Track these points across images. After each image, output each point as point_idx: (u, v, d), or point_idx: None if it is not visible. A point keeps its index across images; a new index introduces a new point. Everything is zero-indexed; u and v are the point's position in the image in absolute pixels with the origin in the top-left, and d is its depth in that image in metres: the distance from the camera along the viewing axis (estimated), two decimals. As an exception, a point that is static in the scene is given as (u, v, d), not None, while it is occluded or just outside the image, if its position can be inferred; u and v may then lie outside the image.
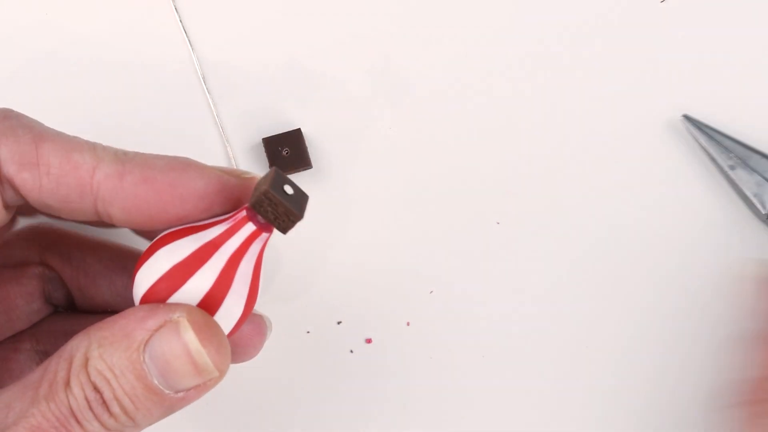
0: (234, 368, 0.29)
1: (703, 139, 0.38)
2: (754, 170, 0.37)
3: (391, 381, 0.37)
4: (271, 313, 0.33)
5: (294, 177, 0.39)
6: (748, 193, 0.37)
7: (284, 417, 0.37)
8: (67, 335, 0.30)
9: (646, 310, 0.37)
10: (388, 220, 0.38)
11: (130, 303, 0.33)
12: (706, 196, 0.38)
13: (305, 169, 0.38)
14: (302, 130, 0.38)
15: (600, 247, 0.38)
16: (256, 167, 0.39)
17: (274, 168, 0.28)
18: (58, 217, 0.29)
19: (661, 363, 0.36)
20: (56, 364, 0.27)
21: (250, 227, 0.28)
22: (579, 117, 0.39)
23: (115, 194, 0.27)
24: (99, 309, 0.34)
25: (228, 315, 0.28)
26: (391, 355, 0.37)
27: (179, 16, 0.40)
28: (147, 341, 0.26)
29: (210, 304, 0.28)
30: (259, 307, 0.30)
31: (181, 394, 0.27)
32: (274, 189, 0.27)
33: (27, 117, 0.28)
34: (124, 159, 0.28)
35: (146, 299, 0.28)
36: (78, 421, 0.26)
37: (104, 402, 0.26)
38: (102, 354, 0.26)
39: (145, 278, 0.28)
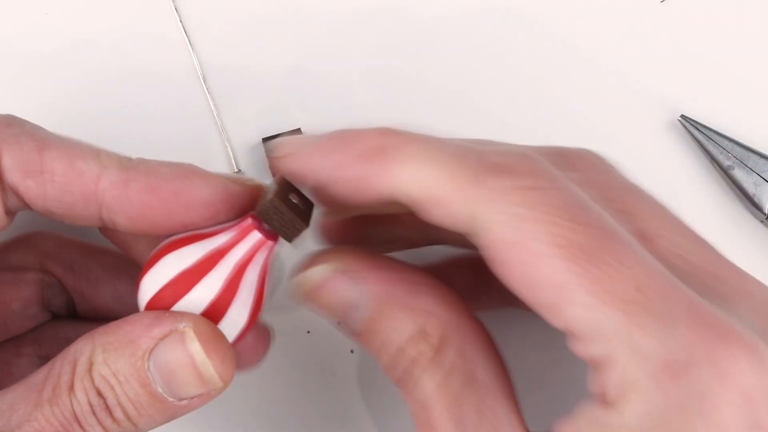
0: (235, 368, 0.29)
1: (701, 139, 0.38)
2: (752, 170, 0.38)
3: (392, 381, 0.37)
4: (271, 313, 0.33)
5: (294, 177, 0.39)
6: (747, 193, 0.37)
7: (284, 417, 0.37)
8: (69, 341, 0.30)
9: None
10: (388, 220, 0.38)
11: (133, 309, 0.33)
12: (704, 196, 0.38)
13: (305, 169, 0.38)
14: (302, 130, 0.38)
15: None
16: (256, 167, 0.39)
17: (280, 176, 0.28)
18: (61, 221, 0.29)
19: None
20: (60, 366, 0.27)
21: (256, 235, 0.28)
22: (578, 117, 0.39)
23: (120, 202, 0.27)
24: (101, 315, 0.34)
25: (233, 323, 0.28)
26: (391, 355, 0.37)
27: (179, 16, 0.40)
28: (152, 349, 0.26)
29: (215, 311, 0.28)
30: (259, 307, 0.30)
31: (184, 402, 0.27)
32: (280, 198, 0.27)
33: (30, 123, 0.28)
34: (128, 166, 0.27)
35: (152, 305, 0.28)
36: (81, 426, 0.26)
37: (107, 407, 0.26)
38: (106, 359, 0.26)
39: (150, 284, 0.28)
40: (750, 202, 0.37)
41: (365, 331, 0.28)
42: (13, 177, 0.27)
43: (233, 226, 0.28)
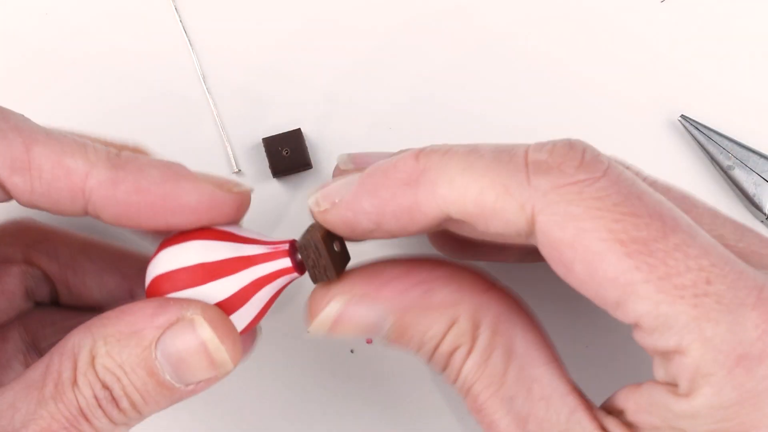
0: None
1: (701, 139, 0.38)
2: (752, 170, 0.38)
3: (392, 381, 0.37)
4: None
5: (294, 177, 0.39)
6: (747, 193, 0.37)
7: (285, 416, 0.37)
8: (55, 325, 0.30)
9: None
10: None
11: (120, 301, 0.33)
12: (705, 196, 0.38)
13: (305, 169, 0.38)
14: (302, 130, 0.38)
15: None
16: (256, 167, 0.39)
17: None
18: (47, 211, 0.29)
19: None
20: (59, 362, 0.27)
21: (286, 262, 0.28)
22: (578, 117, 0.39)
23: (107, 201, 0.27)
24: (86, 306, 0.34)
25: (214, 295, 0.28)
26: (392, 355, 0.37)
27: (179, 16, 0.40)
28: (158, 338, 0.27)
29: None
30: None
31: (191, 387, 0.27)
32: (325, 241, 0.27)
33: (16, 116, 0.28)
34: (117, 164, 0.27)
35: (162, 281, 0.28)
36: (87, 419, 0.26)
37: (113, 398, 0.26)
38: (110, 351, 0.26)
39: (168, 260, 0.28)
40: (750, 202, 0.37)
41: (397, 341, 0.28)
42: (1, 173, 0.27)
43: (270, 243, 0.28)
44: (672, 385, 0.24)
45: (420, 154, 0.26)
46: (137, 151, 0.29)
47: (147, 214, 0.27)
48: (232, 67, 0.40)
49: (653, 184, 0.27)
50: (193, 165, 0.37)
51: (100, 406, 0.26)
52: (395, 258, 0.29)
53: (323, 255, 0.27)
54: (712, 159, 0.38)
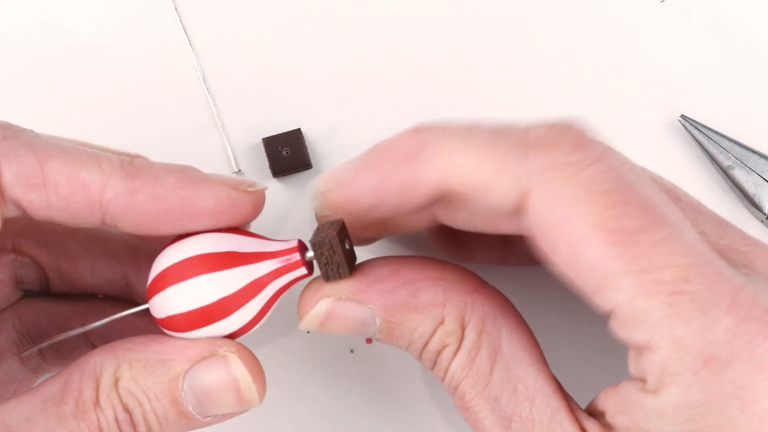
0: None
1: (701, 139, 0.38)
2: (752, 170, 0.38)
3: (392, 381, 0.37)
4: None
5: (294, 177, 0.39)
6: (747, 193, 0.37)
7: (285, 416, 0.37)
8: (48, 314, 0.31)
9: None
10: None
11: (113, 286, 0.33)
12: (705, 196, 0.38)
13: (305, 169, 0.38)
14: (302, 130, 0.38)
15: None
16: (256, 167, 0.39)
17: (342, 219, 0.28)
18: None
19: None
20: (79, 381, 0.27)
21: (302, 271, 0.28)
22: (578, 117, 0.39)
23: (125, 211, 0.27)
24: (78, 291, 0.34)
25: (229, 326, 0.28)
26: (392, 355, 0.37)
27: (179, 16, 0.40)
28: (187, 370, 0.27)
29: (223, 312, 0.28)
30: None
31: (209, 419, 0.28)
32: (340, 238, 0.27)
33: (27, 132, 0.28)
34: (132, 173, 0.27)
35: (181, 320, 0.28)
36: None
37: (132, 422, 0.27)
38: (135, 376, 0.27)
39: (182, 300, 0.28)
40: (750, 202, 0.37)
41: (387, 338, 0.28)
42: (16, 192, 0.27)
43: (279, 254, 0.28)
44: (642, 381, 0.24)
45: (420, 129, 0.26)
46: (137, 158, 0.30)
47: (165, 221, 0.28)
48: (232, 67, 0.40)
49: (642, 169, 0.27)
50: (194, 165, 0.37)
51: (119, 428, 0.27)
52: (385, 257, 0.29)
53: (338, 252, 0.27)
54: (712, 159, 0.38)
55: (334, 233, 0.27)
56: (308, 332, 0.37)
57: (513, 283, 0.31)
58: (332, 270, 0.28)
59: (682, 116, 0.38)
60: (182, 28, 0.40)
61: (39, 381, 0.33)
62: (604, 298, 0.24)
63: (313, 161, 0.39)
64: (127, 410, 0.27)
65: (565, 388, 0.28)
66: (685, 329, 0.23)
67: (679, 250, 0.23)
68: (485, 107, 0.39)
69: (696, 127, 0.38)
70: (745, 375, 0.23)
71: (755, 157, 0.38)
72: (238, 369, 0.27)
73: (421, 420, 0.37)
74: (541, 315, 0.31)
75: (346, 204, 0.28)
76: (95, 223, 0.28)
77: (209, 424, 0.28)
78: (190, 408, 0.27)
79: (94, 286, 0.34)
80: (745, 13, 0.40)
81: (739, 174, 0.38)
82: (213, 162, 0.39)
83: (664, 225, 0.23)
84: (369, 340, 0.37)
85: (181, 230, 0.28)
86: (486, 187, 0.25)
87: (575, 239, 0.23)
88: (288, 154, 0.38)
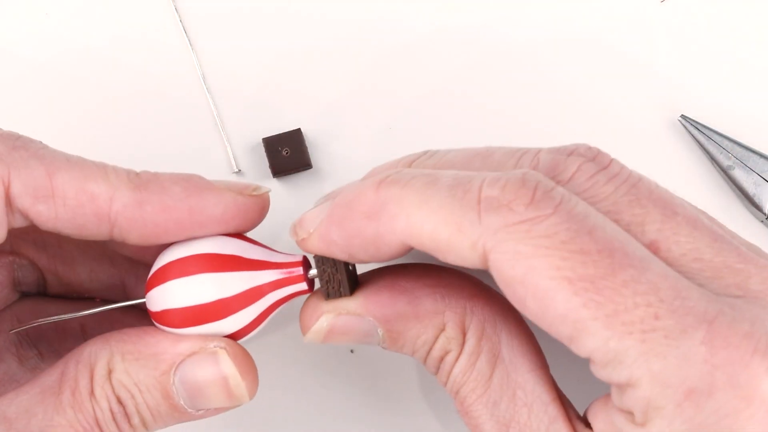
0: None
1: (701, 139, 0.38)
2: (752, 170, 0.38)
3: (392, 381, 0.37)
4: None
5: (294, 177, 0.39)
6: (747, 193, 0.37)
7: (284, 417, 0.37)
8: (47, 316, 0.31)
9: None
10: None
11: (111, 290, 0.33)
12: (705, 196, 0.38)
13: (305, 169, 0.38)
14: (302, 130, 0.38)
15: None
16: (256, 167, 0.39)
17: None
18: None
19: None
20: (75, 369, 0.27)
21: (303, 286, 0.29)
22: (578, 117, 0.39)
23: (133, 223, 0.27)
24: (75, 294, 0.34)
25: (225, 327, 0.29)
26: (392, 355, 0.37)
27: (179, 16, 0.40)
28: (178, 364, 0.27)
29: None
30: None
31: (201, 412, 0.28)
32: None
33: (35, 143, 0.28)
34: (139, 184, 0.28)
35: (178, 315, 0.28)
36: (102, 431, 0.27)
37: (126, 414, 0.27)
38: (127, 368, 0.27)
39: (181, 294, 0.28)
40: (750, 202, 0.37)
41: (391, 347, 0.29)
42: (24, 202, 0.27)
43: (282, 266, 0.29)
44: (629, 413, 0.24)
45: (381, 185, 0.26)
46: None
47: (174, 231, 0.28)
48: (232, 66, 0.40)
49: (638, 182, 0.27)
50: (194, 165, 0.37)
51: (114, 419, 0.27)
52: (382, 267, 0.30)
53: (341, 271, 0.28)
54: (712, 159, 0.38)
55: None
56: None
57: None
58: (333, 288, 0.28)
59: (682, 116, 0.38)
60: (182, 29, 0.40)
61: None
62: (579, 346, 0.24)
63: (313, 161, 0.39)
64: (120, 402, 0.27)
65: (568, 391, 0.28)
66: (662, 364, 0.23)
67: (644, 289, 0.23)
68: (485, 108, 0.39)
69: (696, 127, 0.38)
70: (728, 404, 0.23)
71: (755, 157, 0.38)
72: (227, 365, 0.28)
73: (420, 420, 0.37)
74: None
75: (322, 252, 0.28)
76: (103, 236, 0.28)
77: (203, 417, 0.28)
78: (182, 402, 0.28)
79: (92, 290, 0.34)
80: (746, 14, 0.40)
81: (739, 174, 0.38)
82: (213, 162, 0.39)
83: (625, 267, 0.23)
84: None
85: (188, 237, 0.28)
86: (447, 248, 0.25)
87: (540, 293, 0.24)
88: (288, 155, 0.38)
